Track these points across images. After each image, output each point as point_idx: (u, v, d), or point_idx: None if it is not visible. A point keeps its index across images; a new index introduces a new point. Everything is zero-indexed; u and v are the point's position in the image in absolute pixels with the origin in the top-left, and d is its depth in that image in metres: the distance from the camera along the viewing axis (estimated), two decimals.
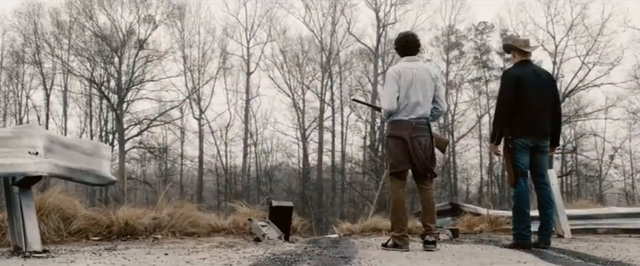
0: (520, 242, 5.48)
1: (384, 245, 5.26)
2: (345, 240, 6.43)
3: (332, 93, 36.54)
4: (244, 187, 38.08)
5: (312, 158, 38.10)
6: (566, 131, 37.11)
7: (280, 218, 6.07)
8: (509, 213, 8.79)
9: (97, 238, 5.75)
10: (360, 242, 6.06)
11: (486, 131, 37.25)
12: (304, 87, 37.07)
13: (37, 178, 4.55)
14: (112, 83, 34.64)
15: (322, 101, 36.41)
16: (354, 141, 37.89)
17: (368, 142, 35.26)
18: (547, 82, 5.76)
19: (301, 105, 37.03)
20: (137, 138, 36.25)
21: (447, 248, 5.52)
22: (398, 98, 5.18)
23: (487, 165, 36.98)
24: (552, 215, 5.70)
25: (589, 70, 32.42)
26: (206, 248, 5.15)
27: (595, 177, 37.31)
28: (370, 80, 35.46)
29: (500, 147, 5.68)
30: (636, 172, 37.43)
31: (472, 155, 36.79)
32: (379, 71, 34.85)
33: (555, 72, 31.45)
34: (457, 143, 35.71)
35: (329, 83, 36.49)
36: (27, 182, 4.55)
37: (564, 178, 38.01)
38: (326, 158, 37.86)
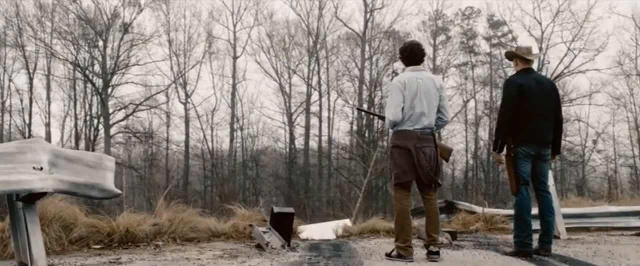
0: (522, 250, 5.53)
1: (388, 255, 5.28)
2: (345, 244, 6.44)
3: (319, 78, 36.45)
4: (230, 171, 38.07)
5: (299, 143, 38.14)
6: None
7: (281, 223, 6.06)
8: (504, 211, 8.93)
9: (98, 247, 5.70)
10: (361, 248, 6.08)
11: (472, 116, 37.55)
12: (291, 71, 36.96)
13: (42, 194, 4.49)
14: (97, 67, 34.26)
15: (309, 85, 36.35)
16: (340, 126, 37.93)
17: (355, 127, 35.28)
18: (549, 90, 5.76)
19: (288, 90, 36.95)
20: (123, 123, 35.98)
21: (450, 255, 5.55)
22: (403, 108, 5.17)
23: (473, 150, 37.25)
24: (552, 223, 5.74)
25: (575, 56, 32.66)
26: (210, 259, 5.13)
27: (579, 162, 37.73)
28: (357, 65, 35.43)
29: (503, 155, 5.70)
30: (619, 156, 37.91)
31: (458, 140, 36.98)
32: (366, 56, 34.82)
33: (542, 58, 31.60)
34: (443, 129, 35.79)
35: (316, 67, 36.40)
36: (32, 197, 4.49)
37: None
38: (313, 143, 37.93)
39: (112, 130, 35.32)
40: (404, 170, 5.16)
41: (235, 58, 36.30)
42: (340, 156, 37.22)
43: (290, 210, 6.25)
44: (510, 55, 5.93)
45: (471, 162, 37.67)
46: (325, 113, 37.46)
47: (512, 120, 5.56)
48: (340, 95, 36.00)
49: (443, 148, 5.50)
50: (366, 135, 33.62)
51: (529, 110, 5.54)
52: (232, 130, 37.53)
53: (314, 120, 37.60)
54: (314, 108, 37.10)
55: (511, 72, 6.28)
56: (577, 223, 8.27)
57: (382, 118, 5.54)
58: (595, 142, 38.11)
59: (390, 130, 5.38)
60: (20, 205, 4.52)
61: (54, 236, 5.45)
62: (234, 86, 36.31)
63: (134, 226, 5.92)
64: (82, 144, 34.19)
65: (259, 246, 5.97)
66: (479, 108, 37.22)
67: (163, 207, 6.53)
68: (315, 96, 36.58)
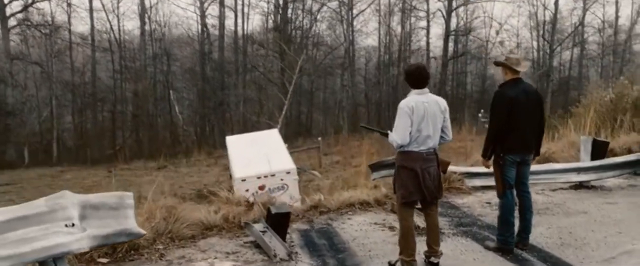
0: (505, 247, 6.14)
1: (392, 265, 5.69)
2: (336, 235, 6.79)
3: None
4: (141, 65, 36.91)
5: (213, 37, 37.22)
6: (461, 13, 38.49)
7: (279, 223, 6.30)
8: (462, 169, 9.53)
9: (105, 261, 5.74)
10: (357, 246, 6.41)
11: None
12: None
13: None
14: None
15: None
16: (255, 19, 37.24)
17: (270, 23, 34.76)
18: (535, 101, 6.14)
19: None
20: (21, 16, 33.52)
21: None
22: (410, 132, 5.39)
23: None
24: (531, 220, 6.33)
25: None
26: None
27: (483, 57, 39.55)
28: None
29: (490, 162, 6.13)
30: (519, 47, 40.08)
31: None
32: None
33: None
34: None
35: None
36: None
37: (454, 60, 40.00)
38: (228, 38, 37.13)
39: (10, 22, 32.93)
40: (410, 190, 5.48)
41: None
42: (256, 52, 36.84)
43: (288, 210, 6.48)
44: (498, 64, 6.18)
45: None
46: (239, 6, 36.54)
47: (502, 131, 5.93)
48: None
49: (442, 163, 5.81)
50: (284, 32, 33.28)
51: (518, 121, 5.93)
52: (143, 22, 35.97)
53: (229, 13, 36.63)
54: (229, 1, 36.03)
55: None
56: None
57: (386, 135, 5.73)
58: (497, 32, 39.89)
59: (396, 149, 5.60)
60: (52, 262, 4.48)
61: None
62: None
63: None
64: None
65: (258, 246, 6.24)
66: None
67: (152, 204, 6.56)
68: None
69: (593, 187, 9.34)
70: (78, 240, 4.34)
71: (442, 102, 5.60)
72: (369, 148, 29.10)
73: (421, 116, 5.38)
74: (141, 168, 29.30)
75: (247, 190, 15.85)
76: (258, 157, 17.67)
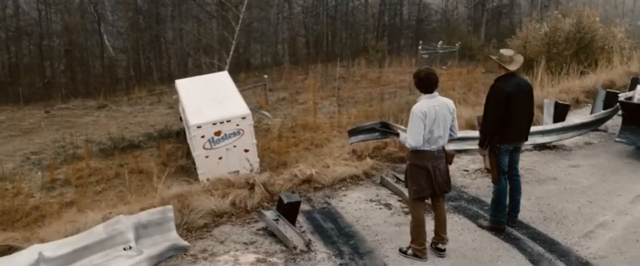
0: (497, 226, 6.79)
1: (404, 252, 6.21)
2: (339, 219, 7.21)
3: None
4: None
5: None
6: None
7: (290, 211, 6.68)
8: None
9: None
10: (363, 230, 6.87)
11: None
12: None
13: None
14: None
15: None
16: None
17: None
18: (527, 94, 6.64)
19: None
20: None
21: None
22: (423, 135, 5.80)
23: None
24: (520, 200, 6.97)
25: None
26: None
27: None
28: None
29: (486, 151, 6.65)
30: None
31: None
32: None
33: None
34: None
35: None
36: None
37: None
38: None
39: None
40: (423, 186, 5.95)
41: None
42: None
43: (297, 199, 6.83)
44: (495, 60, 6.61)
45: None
46: None
47: (498, 124, 6.42)
48: None
49: (448, 155, 6.25)
50: None
51: (513, 114, 6.44)
52: None
53: None
54: None
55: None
56: None
57: (397, 135, 6.11)
58: None
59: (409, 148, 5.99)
60: None
61: None
62: None
63: None
64: None
65: (271, 234, 6.61)
66: None
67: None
68: None
69: (554, 147, 10.11)
70: (137, 263, 4.57)
71: (451, 104, 6.00)
72: (314, 83, 29.56)
73: (433, 119, 5.77)
74: (80, 107, 28.52)
75: (202, 136, 16.03)
76: (211, 102, 17.69)
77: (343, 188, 8.23)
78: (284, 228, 6.51)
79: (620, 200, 7.76)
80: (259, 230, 6.83)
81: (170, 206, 5.18)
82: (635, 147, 9.53)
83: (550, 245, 6.49)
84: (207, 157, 15.86)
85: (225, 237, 6.59)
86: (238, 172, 16.07)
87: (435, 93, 5.90)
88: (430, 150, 5.87)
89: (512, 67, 6.45)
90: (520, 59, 6.66)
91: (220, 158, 15.94)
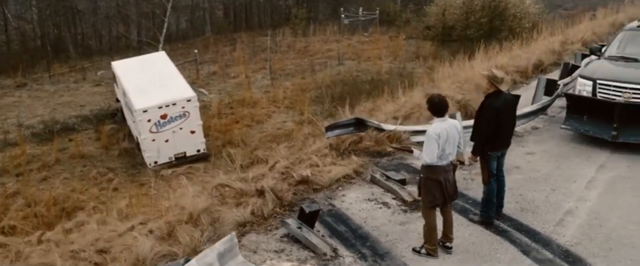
0: (487, 221, 7.88)
1: (417, 251, 7.15)
2: (349, 221, 8.01)
3: None
4: None
5: None
6: None
7: (310, 218, 7.43)
8: (409, 127, 10.91)
9: None
10: (373, 231, 7.74)
11: None
12: None
13: None
14: None
15: None
16: None
17: None
18: (513, 106, 7.77)
19: None
20: None
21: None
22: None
23: None
24: (504, 197, 8.08)
25: None
26: None
27: None
28: None
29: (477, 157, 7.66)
30: None
31: None
32: None
33: None
34: None
35: None
36: None
37: None
38: None
39: None
40: (436, 196, 6.91)
41: None
42: None
43: (317, 207, 7.58)
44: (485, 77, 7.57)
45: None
46: None
47: (490, 134, 7.43)
48: None
49: (453, 167, 7.18)
50: None
51: (501, 126, 7.49)
52: None
53: None
54: None
55: None
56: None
57: (411, 151, 6.99)
58: None
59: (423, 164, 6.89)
60: None
61: None
62: None
63: None
64: None
65: (296, 241, 7.34)
66: None
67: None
68: None
69: None
70: None
71: (459, 125, 6.98)
72: (242, 55, 29.78)
73: (445, 139, 6.70)
74: None
75: (149, 120, 16.26)
76: (154, 85, 17.79)
77: (340, 188, 9.03)
78: (309, 235, 7.27)
79: (577, 186, 9.07)
80: (282, 237, 7.53)
81: (233, 234, 5.79)
82: (577, 133, 10.93)
83: (534, 235, 7.64)
84: (153, 140, 16.14)
85: (255, 246, 7.26)
86: (185, 153, 16.52)
87: (446, 117, 6.80)
88: (442, 165, 6.80)
89: (503, 87, 7.43)
90: (509, 79, 7.67)
91: (166, 140, 16.29)
